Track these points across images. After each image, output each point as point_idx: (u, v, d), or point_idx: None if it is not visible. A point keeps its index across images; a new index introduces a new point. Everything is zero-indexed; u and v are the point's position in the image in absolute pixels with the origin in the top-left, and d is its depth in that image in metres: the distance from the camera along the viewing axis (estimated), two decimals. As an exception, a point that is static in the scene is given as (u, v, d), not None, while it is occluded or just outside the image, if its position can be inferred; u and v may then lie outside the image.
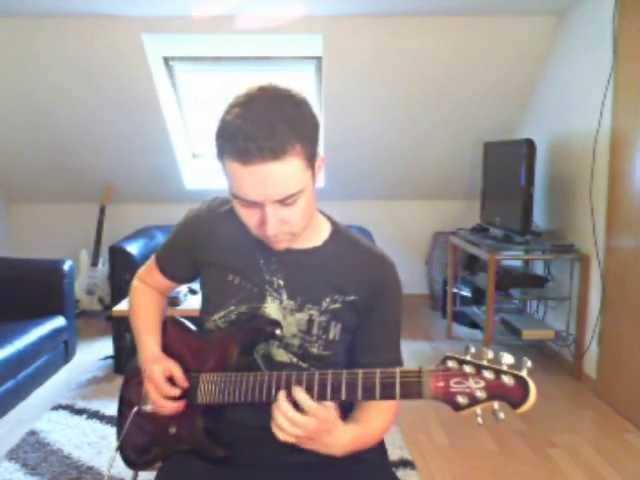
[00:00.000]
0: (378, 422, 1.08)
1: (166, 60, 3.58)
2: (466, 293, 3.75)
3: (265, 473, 1.11)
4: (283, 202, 0.94)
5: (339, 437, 0.98)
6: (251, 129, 0.88)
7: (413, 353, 3.37)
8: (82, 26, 3.17)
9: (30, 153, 3.93)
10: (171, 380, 1.11)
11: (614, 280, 2.72)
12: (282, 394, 0.95)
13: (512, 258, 3.22)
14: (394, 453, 2.23)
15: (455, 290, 3.76)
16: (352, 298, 1.09)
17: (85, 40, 3.24)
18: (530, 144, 2.97)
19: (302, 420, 0.93)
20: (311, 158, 0.95)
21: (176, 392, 1.10)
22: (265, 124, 0.88)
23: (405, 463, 2.19)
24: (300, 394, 0.94)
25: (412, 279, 4.36)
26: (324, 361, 1.10)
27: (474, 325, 3.66)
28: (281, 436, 0.94)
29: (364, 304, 1.09)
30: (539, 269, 3.49)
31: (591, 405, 2.76)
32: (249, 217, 0.98)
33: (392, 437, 2.32)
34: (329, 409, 0.95)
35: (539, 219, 3.43)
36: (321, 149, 3.89)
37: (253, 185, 0.91)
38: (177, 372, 1.12)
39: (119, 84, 3.46)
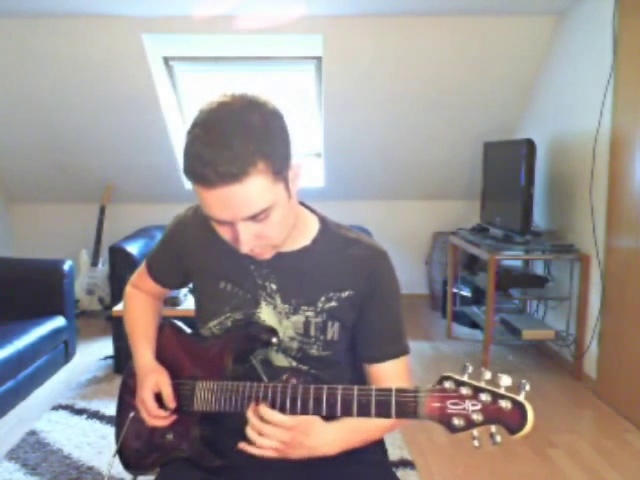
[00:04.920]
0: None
1: (166, 60, 3.58)
2: (466, 293, 3.75)
3: (264, 476, 1.11)
4: (254, 218, 0.91)
5: (322, 436, 0.98)
6: (209, 154, 0.85)
7: (413, 353, 3.32)
8: (82, 26, 3.17)
9: (30, 153, 3.92)
10: (160, 395, 1.11)
11: (614, 280, 2.72)
12: (250, 411, 0.96)
13: (512, 258, 3.22)
14: (394, 453, 2.23)
15: (455, 290, 3.76)
16: (347, 293, 1.07)
17: (85, 40, 3.24)
18: (530, 144, 2.97)
19: (269, 430, 0.93)
20: (280, 172, 0.91)
21: (164, 413, 1.10)
22: (225, 148, 0.85)
23: (405, 463, 2.19)
24: (263, 409, 0.94)
25: (412, 279, 4.36)
26: (324, 362, 1.09)
27: (474, 325, 3.66)
28: (256, 451, 0.95)
29: (361, 297, 1.08)
30: (539, 269, 3.49)
31: (591, 405, 2.76)
32: (224, 233, 0.97)
33: (392, 437, 2.32)
34: (296, 416, 0.95)
35: (539, 219, 3.43)
36: (321, 149, 3.89)
37: (219, 206, 0.90)
38: (165, 388, 1.11)
39: (119, 84, 3.45)
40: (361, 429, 1.06)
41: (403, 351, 1.13)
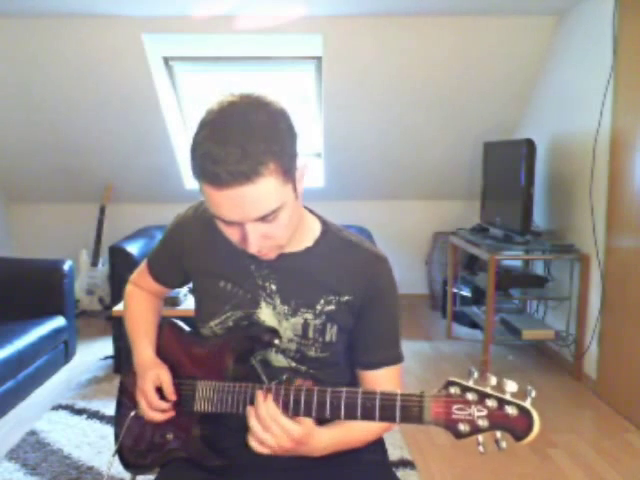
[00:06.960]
0: (363, 425, 1.04)
1: (166, 60, 3.58)
2: (466, 293, 3.75)
3: (264, 476, 1.11)
4: (263, 219, 0.91)
5: (315, 444, 0.98)
6: (220, 153, 0.84)
7: (413, 353, 3.37)
8: (82, 26, 3.17)
9: (30, 153, 3.92)
10: (161, 389, 1.11)
11: (614, 280, 2.72)
12: (260, 403, 0.94)
13: (512, 258, 3.22)
14: (394, 453, 2.23)
15: (455, 290, 3.76)
16: (346, 298, 1.07)
17: (85, 40, 3.24)
18: (530, 144, 2.97)
19: (275, 430, 0.92)
20: (288, 172, 0.90)
21: (165, 405, 1.09)
22: (235, 146, 0.84)
23: (405, 463, 2.19)
24: (274, 410, 0.93)
25: (412, 279, 4.36)
26: (322, 363, 1.09)
27: (474, 325, 3.66)
28: (253, 444, 0.94)
29: (359, 303, 1.07)
30: (539, 269, 3.49)
31: (591, 405, 2.76)
32: (231, 234, 0.96)
33: (392, 437, 2.32)
34: (303, 426, 0.94)
35: (539, 219, 3.43)
36: (321, 149, 3.89)
37: (229, 207, 0.89)
38: (166, 382, 1.11)
39: (119, 84, 3.45)
40: (351, 437, 1.05)
41: (398, 359, 1.12)
